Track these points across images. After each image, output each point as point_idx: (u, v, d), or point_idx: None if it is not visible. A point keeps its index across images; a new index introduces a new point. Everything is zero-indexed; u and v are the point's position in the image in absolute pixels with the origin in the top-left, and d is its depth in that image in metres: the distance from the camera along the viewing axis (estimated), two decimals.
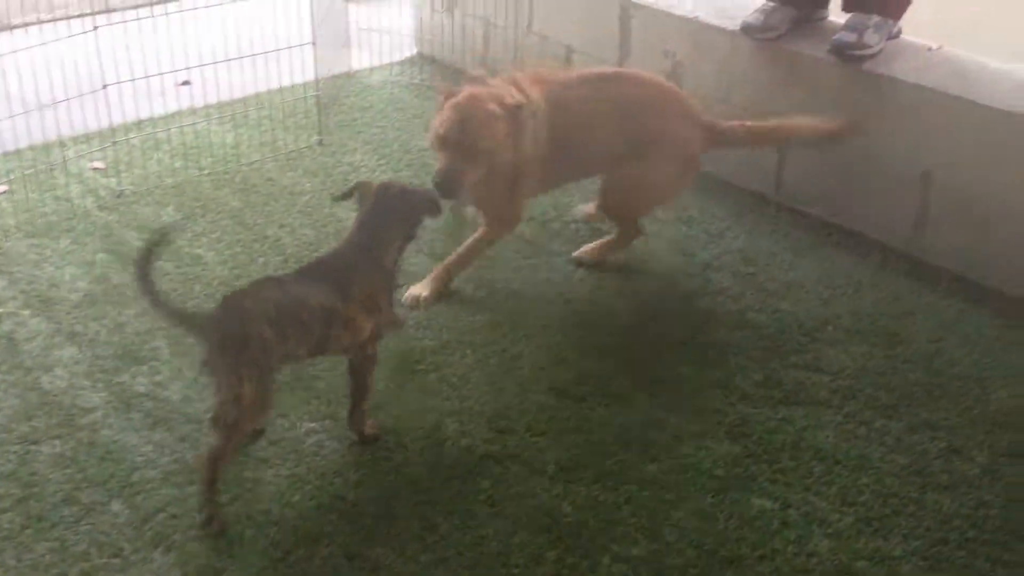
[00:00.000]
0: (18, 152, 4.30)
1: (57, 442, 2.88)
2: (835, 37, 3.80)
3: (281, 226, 3.93)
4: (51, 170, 4.23)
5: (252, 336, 2.54)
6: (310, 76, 4.76)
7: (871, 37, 3.76)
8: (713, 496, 2.74)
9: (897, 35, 3.91)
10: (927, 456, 2.89)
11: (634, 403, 3.06)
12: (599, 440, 2.92)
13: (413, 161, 4.41)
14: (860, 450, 2.90)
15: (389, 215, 2.85)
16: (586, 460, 2.85)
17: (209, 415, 2.65)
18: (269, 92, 4.83)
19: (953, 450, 2.90)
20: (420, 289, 3.51)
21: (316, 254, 3.36)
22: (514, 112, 3.33)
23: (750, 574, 2.53)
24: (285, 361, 2.69)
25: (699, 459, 2.86)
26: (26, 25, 4.81)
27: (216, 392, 2.58)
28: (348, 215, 3.95)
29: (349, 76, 5.24)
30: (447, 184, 3.25)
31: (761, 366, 3.22)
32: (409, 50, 5.50)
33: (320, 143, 4.56)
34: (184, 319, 2.70)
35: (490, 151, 3.30)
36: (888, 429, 2.98)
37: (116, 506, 2.68)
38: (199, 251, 3.76)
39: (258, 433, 2.91)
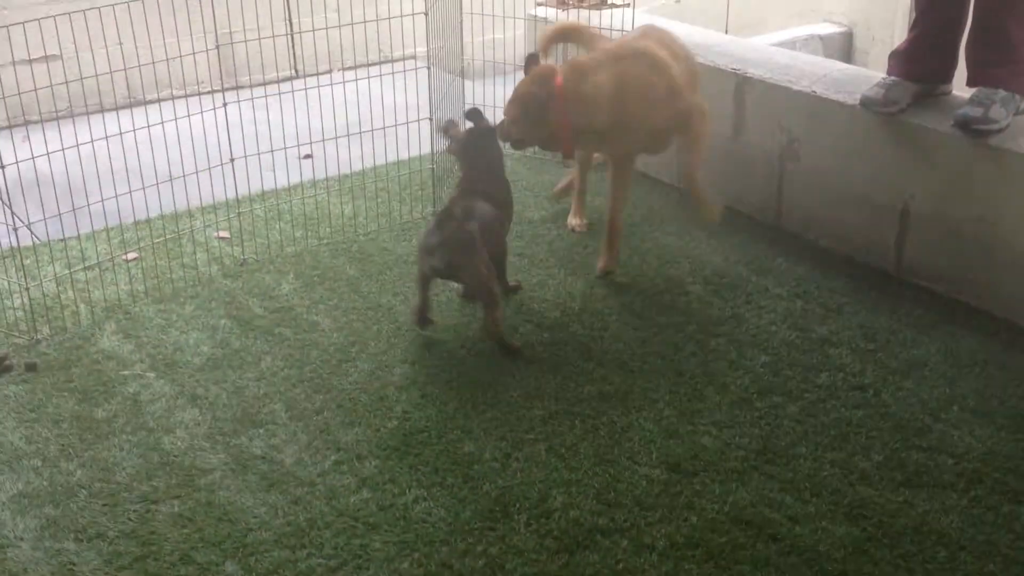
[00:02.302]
0: (148, 221, 4.49)
1: (176, 502, 2.96)
2: (960, 111, 3.72)
3: (395, 294, 3.99)
4: (179, 239, 4.41)
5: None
6: (426, 150, 4.87)
7: (997, 112, 3.68)
8: None
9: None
10: None
11: (748, 481, 2.99)
12: (711, 518, 2.86)
13: (524, 232, 4.46)
14: (987, 536, 2.77)
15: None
16: (697, 538, 2.79)
17: None
18: (386, 165, 4.96)
19: None
20: (606, 261, 4.10)
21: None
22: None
23: None
24: None
25: (816, 541, 2.77)
26: (159, 101, 5.06)
27: None
28: (458, 285, 4.01)
29: None
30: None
31: (882, 446, 3.12)
32: None
33: (434, 214, 4.64)
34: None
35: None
36: (1017, 515, 2.84)
37: (230, 567, 2.72)
38: (316, 318, 3.85)
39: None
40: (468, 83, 5.56)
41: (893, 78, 3.99)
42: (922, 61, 3.95)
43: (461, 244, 3.56)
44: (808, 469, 3.03)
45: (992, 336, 3.63)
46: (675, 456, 3.10)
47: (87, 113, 4.28)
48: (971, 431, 3.17)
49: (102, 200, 4.07)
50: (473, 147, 3.93)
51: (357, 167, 4.93)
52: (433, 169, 4.76)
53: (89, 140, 3.90)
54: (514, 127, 3.95)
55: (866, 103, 3.99)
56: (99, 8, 4.02)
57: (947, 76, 4.01)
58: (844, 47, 7.21)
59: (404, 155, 4.96)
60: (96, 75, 4.04)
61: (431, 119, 4.70)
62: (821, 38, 7.12)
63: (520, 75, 4.02)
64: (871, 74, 4.34)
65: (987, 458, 3.06)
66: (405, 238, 4.46)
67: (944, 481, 2.97)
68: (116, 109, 4.57)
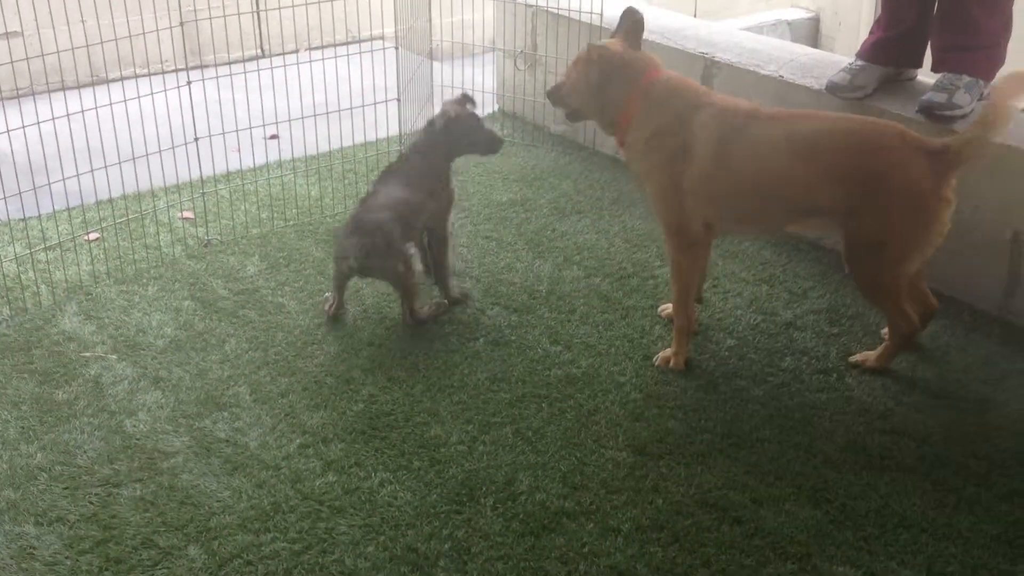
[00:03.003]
0: (111, 201, 4.43)
1: (138, 486, 2.93)
2: (924, 97, 3.74)
3: (361, 276, 3.97)
4: (142, 219, 4.35)
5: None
6: (394, 131, 4.84)
7: (961, 97, 3.70)
8: (794, 562, 2.66)
9: (989, 96, 3.83)
10: (1019, 526, 2.77)
11: (713, 464, 3.01)
12: (677, 500, 2.87)
13: (492, 215, 4.44)
14: (948, 518, 2.80)
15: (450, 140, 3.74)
16: (663, 520, 2.80)
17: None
18: (354, 146, 4.92)
19: None
20: (670, 355, 3.45)
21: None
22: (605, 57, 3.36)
23: None
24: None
25: (780, 523, 2.78)
26: (122, 79, 4.97)
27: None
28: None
29: None
30: (550, 93, 3.66)
31: (846, 430, 3.14)
32: (490, 107, 5.57)
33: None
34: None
35: (573, 80, 3.50)
36: (978, 497, 2.87)
37: (193, 551, 2.70)
38: (282, 300, 3.82)
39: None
40: (437, 64, 5.53)
41: (860, 63, 4.00)
42: (890, 45, 3.96)
43: (376, 247, 3.55)
44: (772, 452, 3.05)
45: (954, 320, 3.66)
46: (641, 439, 3.11)
47: (48, 91, 4.21)
48: (933, 414, 3.20)
49: (63, 179, 4.02)
50: (438, 131, 3.76)
51: (324, 148, 4.89)
52: (401, 150, 4.72)
53: (51, 118, 3.84)
54: (573, 94, 3.53)
55: (832, 88, 4.00)
56: None
57: (915, 61, 4.03)
58: (811, 32, 7.23)
59: (372, 136, 4.93)
60: (58, 52, 3.98)
61: (399, 100, 4.66)
62: (788, 23, 7.14)
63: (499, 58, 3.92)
64: (837, 59, 4.35)
65: (949, 441, 3.09)
66: None
67: (906, 464, 3.00)
68: (78, 87, 4.49)
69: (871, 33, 4.08)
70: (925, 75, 4.01)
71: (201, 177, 4.46)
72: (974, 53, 3.76)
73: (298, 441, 3.09)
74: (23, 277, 3.92)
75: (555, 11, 5.12)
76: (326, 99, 4.69)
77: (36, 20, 4.14)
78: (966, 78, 3.73)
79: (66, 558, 2.68)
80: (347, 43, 5.63)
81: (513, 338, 3.60)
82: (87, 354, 3.50)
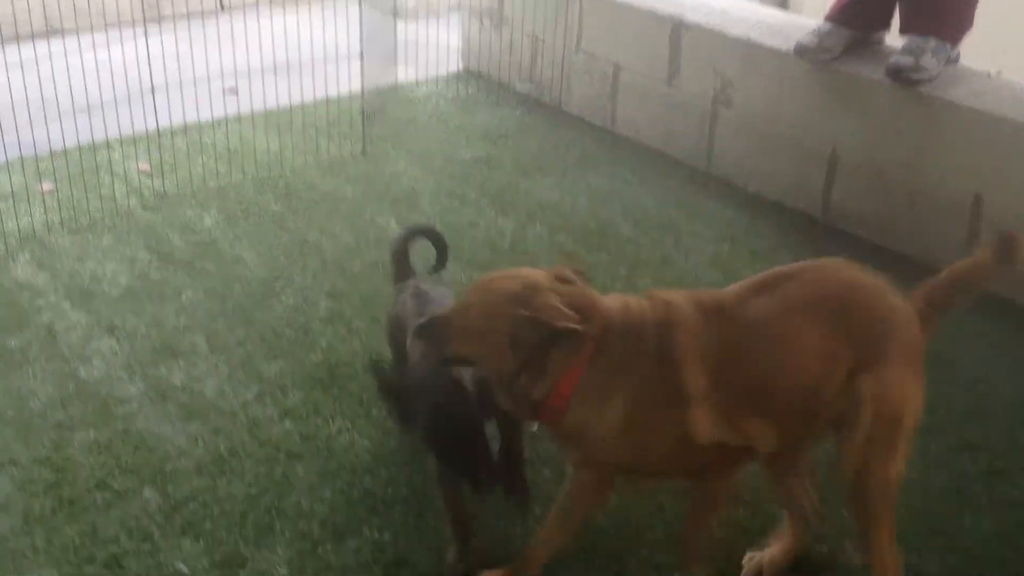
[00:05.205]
0: (65, 152, 4.33)
1: (92, 430, 2.87)
2: (891, 60, 3.74)
3: (321, 231, 3.92)
4: (97, 170, 4.26)
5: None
6: (356, 88, 4.77)
7: (928, 61, 3.70)
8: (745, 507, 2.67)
9: (956, 60, 3.85)
10: (967, 477, 2.80)
11: None
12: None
13: (455, 172, 4.40)
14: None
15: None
16: None
17: None
18: (315, 102, 4.84)
19: (994, 472, 2.81)
20: None
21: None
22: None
23: None
24: None
25: None
26: (78, 30, 4.87)
27: None
28: (387, 221, 3.96)
29: (394, 89, 5.26)
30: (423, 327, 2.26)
31: None
32: (455, 65, 5.51)
33: (363, 152, 4.56)
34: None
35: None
36: (928, 449, 2.87)
37: (147, 493, 2.65)
38: (240, 252, 3.76)
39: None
40: (401, 23, 5.46)
41: (828, 25, 3.99)
42: (858, 8, 3.96)
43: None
44: None
45: (913, 281, 3.63)
46: None
47: (2, 41, 4.10)
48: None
49: (16, 129, 3.92)
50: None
51: (284, 103, 4.81)
52: (363, 109, 4.66)
53: (4, 68, 3.74)
54: (464, 342, 2.19)
55: (800, 50, 3.99)
56: None
57: (883, 23, 4.02)
58: None
59: (333, 92, 4.85)
60: (12, 1, 3.87)
61: (361, 57, 4.60)
62: None
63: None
64: (806, 21, 4.35)
65: None
66: (332, 174, 4.37)
67: None
68: (32, 37, 4.39)
69: None
70: (895, 39, 4.02)
71: (158, 129, 4.37)
72: (941, 16, 3.77)
73: (255, 389, 3.05)
74: None
75: None
76: (287, 54, 4.62)
77: None
78: (933, 41, 3.73)
79: (18, 500, 2.62)
80: None
81: None
82: (40, 302, 3.41)
